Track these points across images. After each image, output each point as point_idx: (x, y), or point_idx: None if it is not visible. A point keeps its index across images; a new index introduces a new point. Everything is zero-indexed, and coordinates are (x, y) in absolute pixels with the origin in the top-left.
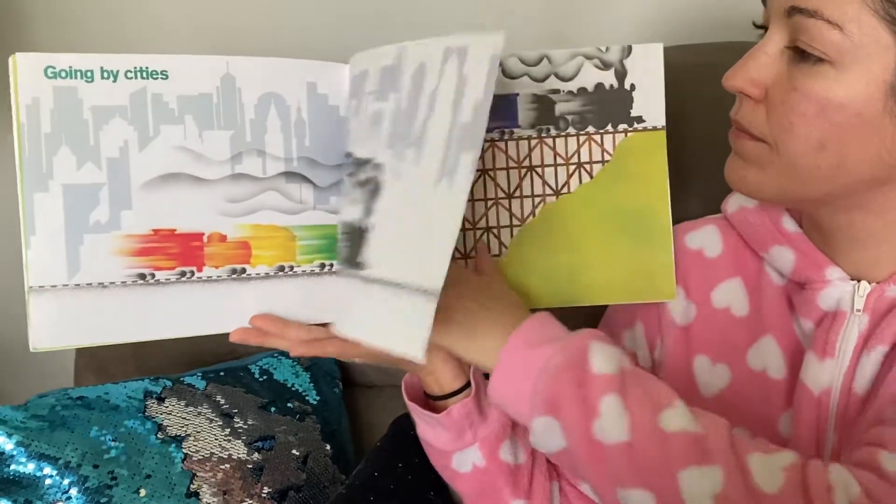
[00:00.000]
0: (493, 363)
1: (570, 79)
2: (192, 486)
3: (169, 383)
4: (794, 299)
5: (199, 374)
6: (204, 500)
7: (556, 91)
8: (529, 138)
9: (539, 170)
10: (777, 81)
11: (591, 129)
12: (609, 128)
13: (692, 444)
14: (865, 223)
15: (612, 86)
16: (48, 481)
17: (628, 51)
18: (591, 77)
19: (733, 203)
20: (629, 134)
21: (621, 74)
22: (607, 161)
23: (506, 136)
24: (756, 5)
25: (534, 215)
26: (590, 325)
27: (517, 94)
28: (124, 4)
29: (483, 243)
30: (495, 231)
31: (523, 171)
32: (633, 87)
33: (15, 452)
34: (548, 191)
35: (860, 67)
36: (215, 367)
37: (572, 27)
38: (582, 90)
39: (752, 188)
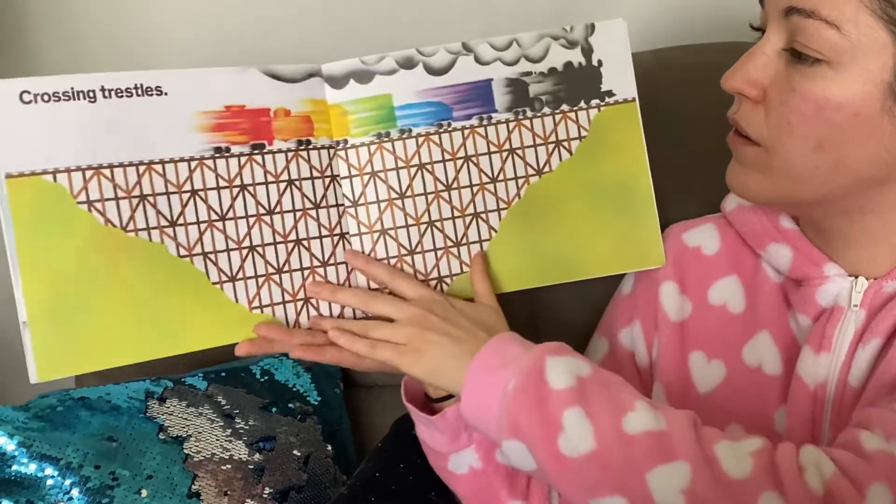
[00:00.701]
0: (460, 390)
1: (540, 60)
2: (193, 486)
3: (170, 384)
4: (791, 296)
5: (201, 375)
6: (205, 500)
7: (528, 73)
8: (507, 122)
9: (520, 151)
10: (775, 82)
11: (565, 107)
12: (582, 104)
13: (656, 442)
14: (864, 224)
15: (580, 63)
16: (50, 482)
17: (592, 28)
18: (559, 57)
19: (731, 201)
20: (602, 108)
21: (588, 52)
22: (584, 137)
23: (484, 122)
24: (756, 5)
25: (519, 197)
26: (589, 324)
27: (491, 80)
28: (123, 3)
29: (480, 261)
30: (483, 216)
31: (504, 154)
32: (600, 62)
33: (16, 453)
34: (530, 171)
35: (858, 67)
36: (216, 367)
37: (568, 22)
38: (552, 70)
39: (753, 193)
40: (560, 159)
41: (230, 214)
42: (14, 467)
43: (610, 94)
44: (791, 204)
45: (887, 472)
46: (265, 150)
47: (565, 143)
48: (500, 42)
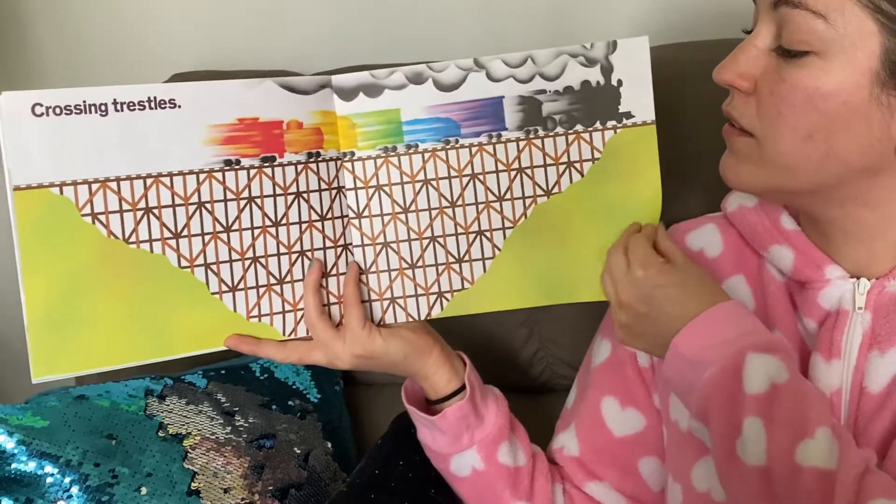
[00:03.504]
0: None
1: (556, 78)
2: (193, 484)
3: (170, 381)
4: (796, 298)
5: (200, 373)
6: (205, 498)
7: (542, 91)
8: (518, 140)
9: (529, 171)
10: (766, 73)
11: (579, 127)
12: (598, 125)
13: (820, 482)
14: (860, 217)
15: (598, 82)
16: (49, 480)
17: (613, 46)
18: (576, 75)
19: (733, 202)
20: (618, 130)
21: (607, 70)
22: (597, 159)
23: (493, 140)
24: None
25: (525, 216)
26: (592, 325)
27: (503, 97)
28: (123, 5)
29: (651, 227)
30: (488, 234)
31: (513, 173)
32: (620, 82)
33: (16, 451)
34: (538, 191)
35: (845, 56)
36: (216, 365)
37: (571, 23)
38: (568, 89)
39: (747, 184)
40: (571, 181)
41: (235, 226)
42: (13, 465)
43: (628, 115)
44: (785, 194)
45: None
46: (275, 163)
47: (577, 165)
48: (513, 59)
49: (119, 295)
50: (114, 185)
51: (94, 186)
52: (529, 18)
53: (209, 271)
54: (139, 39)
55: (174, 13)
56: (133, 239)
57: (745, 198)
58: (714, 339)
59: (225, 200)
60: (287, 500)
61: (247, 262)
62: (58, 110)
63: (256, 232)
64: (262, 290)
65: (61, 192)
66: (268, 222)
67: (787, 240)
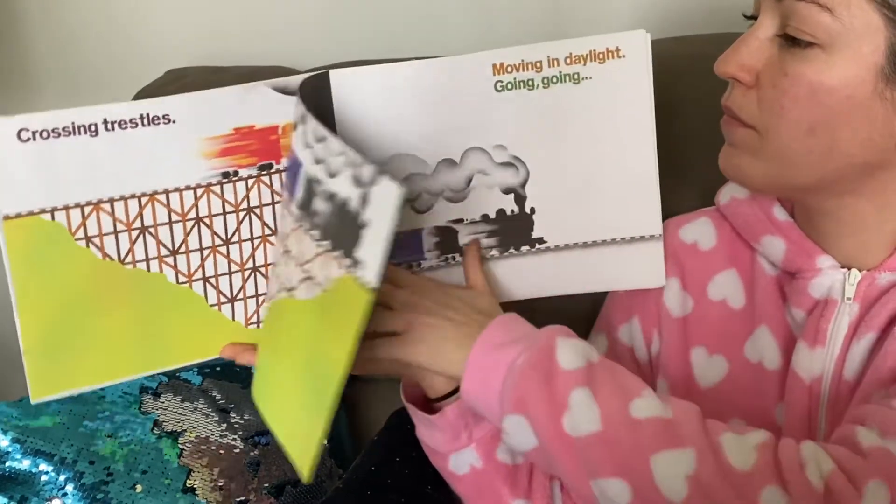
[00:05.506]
0: (461, 372)
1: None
2: (188, 481)
3: (165, 379)
4: (786, 289)
5: (196, 370)
6: (200, 495)
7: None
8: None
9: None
10: (768, 66)
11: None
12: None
13: (663, 428)
14: (856, 207)
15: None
16: (44, 478)
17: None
18: (342, 191)
19: (725, 194)
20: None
21: (363, 199)
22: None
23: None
24: None
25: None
26: (588, 321)
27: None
28: (119, 6)
29: (475, 250)
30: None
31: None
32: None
33: (10, 449)
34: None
35: (850, 50)
36: (211, 362)
37: (568, 17)
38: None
39: (745, 176)
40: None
41: (234, 238)
42: (8, 463)
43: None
44: (785, 188)
45: (884, 469)
46: (272, 170)
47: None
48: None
49: (115, 314)
50: (107, 206)
51: (87, 209)
52: (527, 14)
53: (208, 285)
54: (133, 36)
55: (168, 9)
56: (129, 259)
57: (737, 189)
58: (516, 333)
59: (224, 213)
60: (283, 497)
61: (246, 273)
62: (45, 134)
63: (256, 242)
64: (261, 298)
65: (53, 218)
66: (267, 231)
67: (779, 230)
